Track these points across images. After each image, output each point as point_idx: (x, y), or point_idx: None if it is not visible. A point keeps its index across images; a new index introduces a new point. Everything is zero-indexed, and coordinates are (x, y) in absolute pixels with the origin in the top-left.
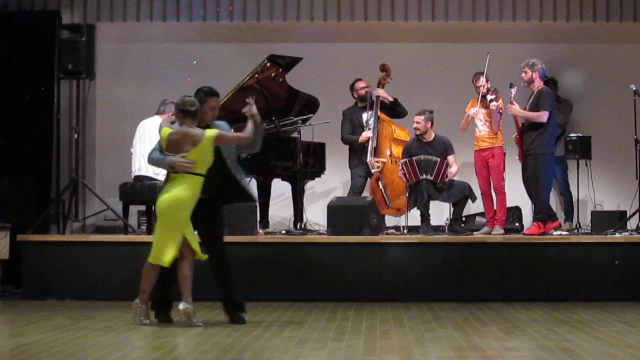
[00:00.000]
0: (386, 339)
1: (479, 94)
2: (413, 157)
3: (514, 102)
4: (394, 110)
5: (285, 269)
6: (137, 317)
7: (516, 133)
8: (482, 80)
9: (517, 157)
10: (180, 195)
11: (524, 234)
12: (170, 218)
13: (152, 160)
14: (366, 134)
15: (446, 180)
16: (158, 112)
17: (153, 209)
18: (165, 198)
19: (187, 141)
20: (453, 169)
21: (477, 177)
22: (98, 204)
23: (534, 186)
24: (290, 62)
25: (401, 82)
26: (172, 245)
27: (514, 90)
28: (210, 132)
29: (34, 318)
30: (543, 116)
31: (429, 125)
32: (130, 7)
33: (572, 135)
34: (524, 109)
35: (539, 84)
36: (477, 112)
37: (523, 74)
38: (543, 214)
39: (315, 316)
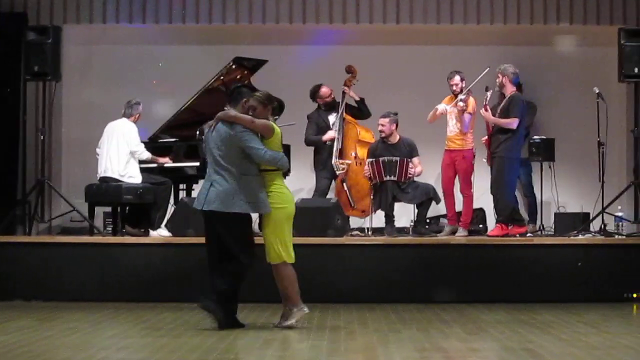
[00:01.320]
0: (350, 340)
1: (452, 93)
2: (379, 158)
3: (488, 108)
4: (360, 110)
5: (250, 270)
6: (299, 321)
7: (486, 136)
8: (457, 79)
9: (484, 160)
10: None
11: (488, 235)
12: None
13: (280, 160)
14: (331, 134)
15: (409, 178)
16: (125, 115)
17: (119, 210)
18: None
19: None
20: (417, 169)
21: (441, 174)
22: (64, 205)
23: (497, 188)
24: (256, 65)
25: (367, 84)
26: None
27: (489, 94)
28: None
29: (0, 319)
30: (512, 123)
31: (393, 127)
32: (96, 9)
33: (535, 137)
34: (495, 113)
35: (511, 89)
36: (445, 110)
37: (497, 79)
38: (506, 216)
39: (279, 317)
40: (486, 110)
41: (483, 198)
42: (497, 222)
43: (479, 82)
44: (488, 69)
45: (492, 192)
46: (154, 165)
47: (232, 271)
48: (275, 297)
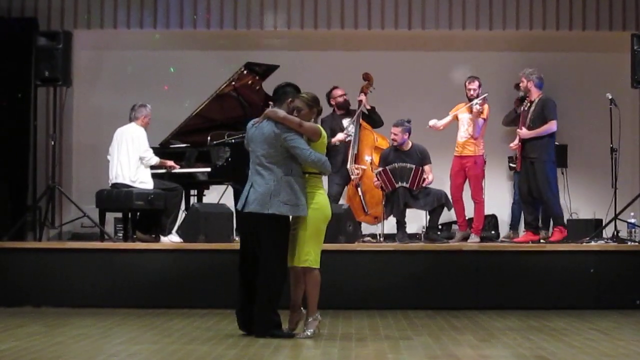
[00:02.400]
0: (361, 347)
1: (467, 97)
2: (387, 166)
3: (522, 128)
4: (371, 118)
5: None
6: (317, 329)
7: (516, 141)
8: (476, 84)
9: (511, 165)
10: None
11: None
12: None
13: (325, 163)
14: (341, 135)
15: (422, 186)
16: (132, 119)
17: (130, 216)
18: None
19: None
20: (429, 178)
21: (450, 181)
22: (74, 211)
23: (546, 194)
24: (267, 70)
25: (379, 90)
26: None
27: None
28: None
29: (10, 325)
30: (552, 126)
31: (406, 136)
32: (107, 15)
33: None
34: (529, 124)
35: (537, 94)
36: (456, 116)
37: (521, 83)
38: (561, 219)
39: (292, 324)
40: (520, 129)
41: (495, 204)
42: (555, 226)
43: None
44: (486, 94)
45: (524, 198)
46: (165, 171)
47: (268, 285)
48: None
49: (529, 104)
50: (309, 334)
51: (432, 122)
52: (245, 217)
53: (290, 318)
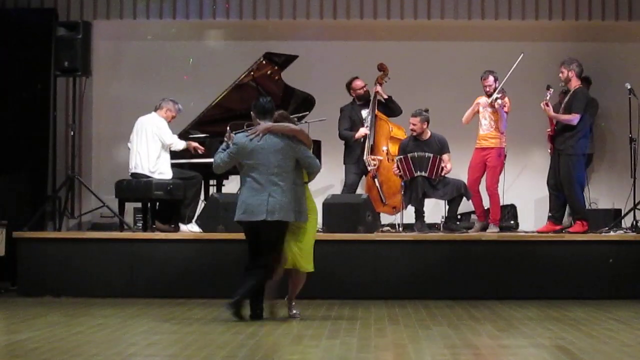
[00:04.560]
0: (380, 337)
1: (485, 93)
2: (408, 154)
3: (549, 104)
4: (389, 108)
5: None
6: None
7: (549, 130)
8: (491, 79)
9: (549, 150)
10: None
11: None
12: None
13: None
14: (363, 131)
15: (441, 175)
16: (155, 109)
17: (149, 206)
18: None
19: None
20: (447, 166)
21: (467, 173)
22: (94, 201)
23: (568, 187)
24: (286, 60)
25: (397, 80)
26: None
27: (549, 93)
28: None
29: (30, 315)
30: (574, 119)
31: (425, 126)
32: (126, 5)
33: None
34: (561, 108)
35: (576, 83)
36: (486, 104)
37: (560, 74)
38: (583, 212)
39: (309, 314)
40: (547, 106)
41: (514, 194)
42: (575, 219)
43: (513, 72)
44: (522, 54)
45: (552, 188)
46: (184, 161)
47: (265, 270)
48: (285, 294)
49: (568, 93)
50: (299, 313)
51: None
52: (267, 225)
53: (275, 308)
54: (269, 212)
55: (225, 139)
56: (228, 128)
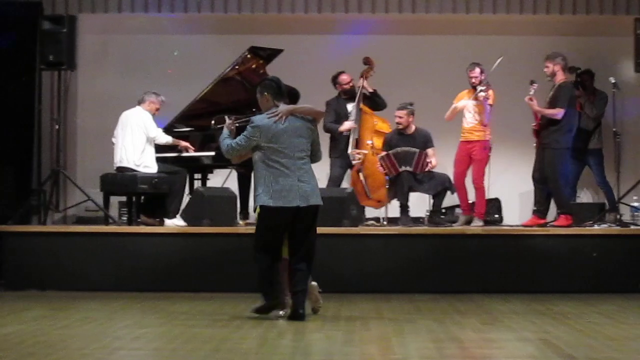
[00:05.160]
0: (365, 330)
1: (471, 85)
2: (391, 150)
3: (533, 98)
4: (374, 101)
5: None
6: None
7: (534, 124)
8: (477, 71)
9: (534, 145)
10: None
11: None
12: None
13: None
14: (348, 124)
15: (426, 170)
16: (139, 102)
17: (134, 199)
18: None
19: None
20: (432, 162)
21: (454, 167)
22: (79, 195)
23: (552, 181)
24: (271, 54)
25: (382, 74)
26: None
27: (534, 87)
28: None
29: (15, 308)
30: (557, 114)
31: (410, 119)
32: None
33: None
34: (546, 102)
35: (561, 77)
36: (464, 106)
37: (545, 69)
38: (567, 207)
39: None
40: (531, 100)
41: (499, 188)
42: (560, 213)
43: (494, 72)
44: (501, 57)
45: (536, 182)
46: (169, 154)
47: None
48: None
49: (553, 87)
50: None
51: (461, 104)
52: (303, 211)
53: (285, 302)
54: (302, 197)
55: (226, 127)
56: (226, 117)
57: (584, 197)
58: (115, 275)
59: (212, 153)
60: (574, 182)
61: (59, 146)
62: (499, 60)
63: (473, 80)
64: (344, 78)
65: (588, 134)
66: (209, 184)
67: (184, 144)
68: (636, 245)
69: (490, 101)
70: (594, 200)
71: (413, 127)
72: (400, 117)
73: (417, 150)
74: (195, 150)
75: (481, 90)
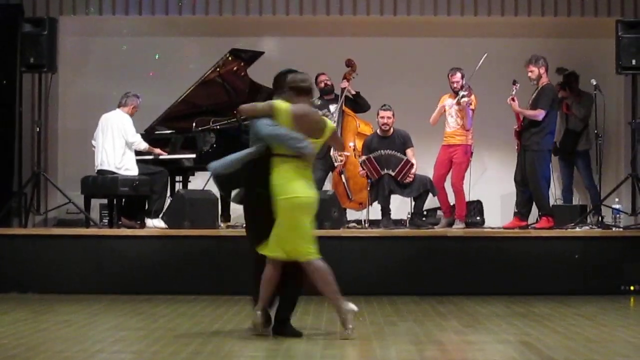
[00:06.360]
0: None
1: (452, 90)
2: (372, 154)
3: (515, 99)
4: (357, 103)
5: (246, 263)
6: None
7: (516, 126)
8: (458, 75)
9: (515, 147)
10: None
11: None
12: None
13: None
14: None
15: (407, 181)
16: (119, 105)
17: (115, 202)
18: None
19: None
20: (412, 161)
21: (433, 169)
22: (60, 198)
23: (533, 183)
24: (252, 56)
25: (363, 76)
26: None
27: (515, 88)
28: (332, 124)
29: None
30: (539, 115)
31: (394, 119)
32: (92, 1)
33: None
34: (528, 104)
35: (545, 80)
36: (452, 105)
37: (529, 73)
38: (547, 208)
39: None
40: (513, 101)
41: (480, 190)
42: (541, 215)
43: (479, 70)
44: (485, 55)
45: (518, 184)
46: (150, 157)
47: None
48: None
49: (536, 89)
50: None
51: (448, 103)
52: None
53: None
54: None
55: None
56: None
57: (567, 199)
58: (96, 277)
59: (193, 155)
60: (568, 185)
61: (40, 148)
62: (483, 58)
63: (455, 85)
64: (321, 77)
65: (577, 135)
66: (190, 186)
67: (157, 151)
68: (617, 247)
69: (472, 106)
70: (576, 202)
71: (392, 130)
72: (388, 118)
73: (405, 157)
74: (176, 153)
75: (463, 96)
